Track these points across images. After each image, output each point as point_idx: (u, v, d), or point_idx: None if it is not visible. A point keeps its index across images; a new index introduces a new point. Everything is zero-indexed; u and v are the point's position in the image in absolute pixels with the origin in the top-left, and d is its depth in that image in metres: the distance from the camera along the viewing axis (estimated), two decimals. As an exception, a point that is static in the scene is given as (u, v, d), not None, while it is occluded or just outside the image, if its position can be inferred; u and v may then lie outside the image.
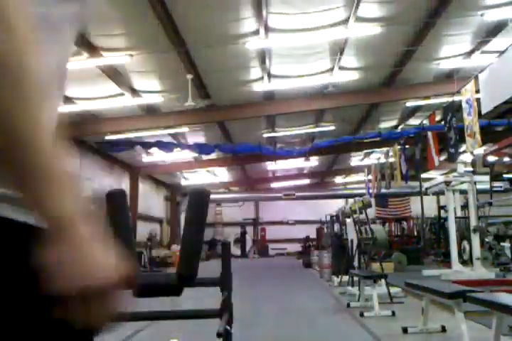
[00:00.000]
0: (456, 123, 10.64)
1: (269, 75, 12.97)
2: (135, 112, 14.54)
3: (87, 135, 15.59)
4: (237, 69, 12.25)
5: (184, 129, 16.40)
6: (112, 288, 0.60)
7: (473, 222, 11.14)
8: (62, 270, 0.57)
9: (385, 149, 18.00)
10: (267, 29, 10.31)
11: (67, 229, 0.59)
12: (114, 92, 12.77)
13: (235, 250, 29.52)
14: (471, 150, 10.46)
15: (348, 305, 7.64)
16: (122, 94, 12.88)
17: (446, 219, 16.45)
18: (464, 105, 9.83)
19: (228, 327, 2.12)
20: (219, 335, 1.95)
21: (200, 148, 16.31)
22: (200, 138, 18.39)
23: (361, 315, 6.67)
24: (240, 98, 14.37)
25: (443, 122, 11.67)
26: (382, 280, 8.30)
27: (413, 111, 17.55)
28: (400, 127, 18.79)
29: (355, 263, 10.50)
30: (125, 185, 21.60)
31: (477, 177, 11.98)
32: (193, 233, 2.50)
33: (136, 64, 11.14)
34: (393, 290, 8.46)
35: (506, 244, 14.64)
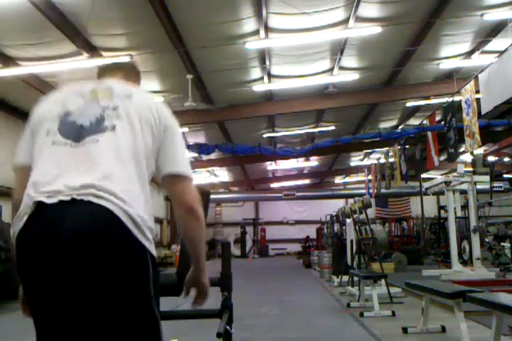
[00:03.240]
0: (456, 123, 10.63)
1: (269, 75, 12.97)
2: (135, 112, 14.54)
3: (87, 135, 15.60)
4: (237, 69, 12.24)
5: (184, 129, 16.40)
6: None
7: (473, 222, 11.13)
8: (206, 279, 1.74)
9: (385, 149, 18.01)
10: (267, 29, 10.31)
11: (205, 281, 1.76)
12: (114, 92, 12.77)
13: (235, 250, 29.53)
14: (470, 151, 10.46)
15: (348, 305, 7.64)
16: (122, 94, 12.88)
17: (446, 219, 16.45)
18: (463, 105, 9.83)
19: (228, 328, 2.15)
20: (219, 335, 1.96)
21: (200, 148, 16.29)
22: (200, 138, 18.39)
23: (361, 315, 6.67)
24: (239, 98, 14.38)
25: (443, 122, 11.67)
26: (382, 280, 8.30)
27: (413, 111, 17.55)
28: (400, 127, 18.79)
29: (354, 264, 10.50)
30: (125, 185, 21.60)
31: (477, 177, 11.97)
32: None
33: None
34: (393, 290, 8.46)
35: (506, 244, 14.63)
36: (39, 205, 1.44)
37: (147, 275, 1.47)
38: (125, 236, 1.41)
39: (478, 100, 9.39)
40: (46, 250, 1.40)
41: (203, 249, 1.67)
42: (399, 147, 15.37)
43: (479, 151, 16.94)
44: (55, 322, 1.45)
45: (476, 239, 11.01)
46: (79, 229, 1.38)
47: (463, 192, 12.39)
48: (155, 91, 13.17)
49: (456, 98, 10.91)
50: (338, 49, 11.65)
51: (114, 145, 1.49)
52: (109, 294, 1.41)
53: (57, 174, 1.47)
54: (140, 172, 1.50)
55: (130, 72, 1.89)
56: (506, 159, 18.20)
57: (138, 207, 1.45)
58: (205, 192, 2.67)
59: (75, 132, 1.53)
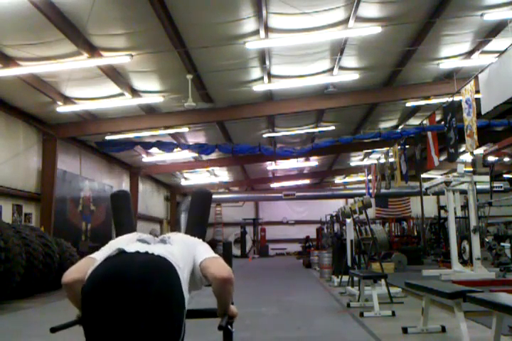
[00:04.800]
0: (456, 123, 10.63)
1: (269, 75, 12.96)
2: (135, 112, 14.53)
3: (87, 135, 15.59)
4: (237, 69, 12.24)
5: (184, 129, 16.40)
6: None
7: (473, 222, 11.13)
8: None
9: (385, 149, 18.01)
10: (267, 29, 10.30)
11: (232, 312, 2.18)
12: (114, 92, 12.76)
13: (235, 250, 29.54)
14: (471, 151, 10.45)
15: (348, 305, 7.64)
16: (122, 94, 12.87)
17: (446, 219, 16.45)
18: (464, 105, 9.82)
19: (229, 326, 2.19)
20: (220, 328, 2.02)
21: (200, 148, 16.30)
22: (200, 138, 18.39)
23: (361, 315, 6.67)
24: (240, 98, 14.37)
25: (443, 122, 11.66)
26: (382, 280, 8.30)
27: (413, 111, 17.55)
28: (400, 127, 18.79)
29: (355, 264, 10.51)
30: (125, 184, 21.60)
31: (477, 177, 11.97)
32: (195, 233, 2.53)
33: (136, 64, 11.13)
34: (393, 290, 8.47)
35: (506, 244, 14.62)
36: (120, 251, 1.95)
37: (182, 313, 1.87)
38: (173, 274, 1.90)
39: (478, 100, 9.39)
40: (115, 282, 1.80)
41: (231, 296, 2.14)
42: (399, 147, 15.37)
43: (479, 151, 16.94)
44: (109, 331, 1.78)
45: (476, 239, 11.01)
46: (143, 264, 1.87)
47: (463, 192, 12.39)
48: (155, 92, 13.17)
49: (456, 98, 10.91)
50: (338, 49, 11.64)
51: (169, 249, 2.07)
52: (159, 316, 1.79)
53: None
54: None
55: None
56: (506, 159, 18.19)
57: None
58: (206, 193, 2.92)
59: (145, 241, 2.19)
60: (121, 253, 1.95)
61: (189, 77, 11.80)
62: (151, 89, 13.09)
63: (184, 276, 1.97)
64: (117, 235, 2.57)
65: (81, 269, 2.01)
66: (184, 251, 2.13)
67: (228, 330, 2.21)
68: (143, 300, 1.77)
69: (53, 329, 2.07)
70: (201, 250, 2.22)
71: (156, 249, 2.01)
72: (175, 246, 2.13)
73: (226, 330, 2.20)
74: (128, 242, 2.15)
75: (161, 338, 1.78)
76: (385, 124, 19.15)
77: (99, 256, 2.03)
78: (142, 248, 1.99)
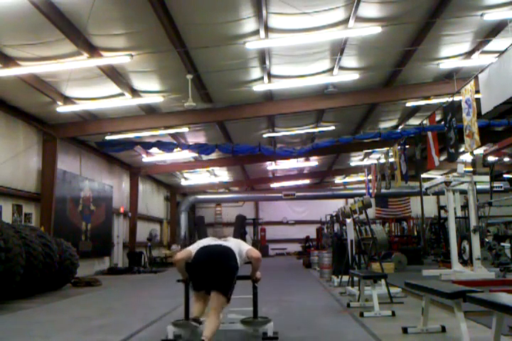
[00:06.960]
0: (456, 123, 10.63)
1: (269, 75, 12.97)
2: (135, 112, 14.53)
3: (87, 135, 15.59)
4: (237, 69, 12.24)
5: (184, 129, 16.40)
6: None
7: (473, 222, 11.14)
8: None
9: (385, 149, 18.00)
10: (267, 29, 10.30)
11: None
12: (114, 92, 12.76)
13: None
14: (470, 151, 10.45)
15: (348, 305, 7.65)
16: (122, 94, 12.87)
17: (446, 219, 16.44)
18: (464, 105, 9.82)
19: (256, 284, 5.14)
20: (252, 281, 5.29)
21: (200, 148, 16.29)
22: (200, 138, 18.39)
23: (361, 315, 6.67)
24: (239, 98, 14.37)
25: (443, 122, 11.66)
26: (382, 280, 8.30)
27: (413, 111, 17.55)
28: (400, 127, 18.79)
29: (354, 263, 10.50)
30: (125, 184, 21.59)
31: (477, 177, 11.97)
32: (240, 237, 4.58)
33: (136, 64, 11.13)
34: (393, 290, 8.47)
35: (506, 244, 14.63)
36: (207, 245, 5.16)
37: (236, 270, 4.94)
38: (234, 255, 5.00)
39: (478, 100, 9.39)
40: (208, 256, 4.93)
41: (259, 267, 5.22)
42: (399, 147, 15.36)
43: (479, 151, 16.95)
44: (202, 279, 4.85)
45: (476, 239, 11.01)
46: (220, 250, 5.01)
47: (463, 192, 12.39)
48: (155, 91, 13.17)
49: (456, 98, 10.90)
50: (338, 49, 11.64)
51: (230, 243, 5.22)
52: (226, 270, 4.84)
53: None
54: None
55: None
56: (506, 159, 18.19)
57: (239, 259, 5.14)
58: (244, 217, 5.84)
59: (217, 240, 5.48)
60: (208, 245, 4.98)
61: (189, 77, 11.80)
62: (151, 89, 13.09)
63: (237, 256, 4.90)
64: (199, 238, 5.28)
65: (184, 254, 4.98)
66: (236, 245, 5.07)
67: (255, 286, 4.89)
68: (220, 265, 4.78)
69: (178, 281, 5.22)
70: (244, 245, 5.22)
71: (224, 243, 5.03)
72: (231, 243, 5.09)
73: (254, 286, 5.01)
74: (208, 241, 5.14)
75: (225, 281, 4.74)
76: (385, 124, 19.15)
77: (193, 247, 5.00)
78: (217, 242, 5.05)
